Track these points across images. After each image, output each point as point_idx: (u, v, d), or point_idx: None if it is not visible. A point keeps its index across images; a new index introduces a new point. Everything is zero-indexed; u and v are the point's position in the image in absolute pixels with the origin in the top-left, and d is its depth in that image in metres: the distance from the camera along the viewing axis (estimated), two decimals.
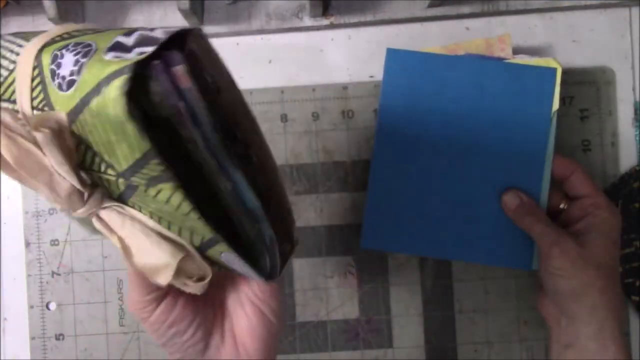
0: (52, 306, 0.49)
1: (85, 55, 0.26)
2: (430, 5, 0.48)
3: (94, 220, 0.30)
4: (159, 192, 0.27)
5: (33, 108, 0.28)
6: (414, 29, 0.50)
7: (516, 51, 0.46)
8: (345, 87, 0.49)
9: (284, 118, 0.49)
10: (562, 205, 0.43)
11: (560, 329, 0.40)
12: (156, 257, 0.29)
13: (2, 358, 0.49)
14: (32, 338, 0.49)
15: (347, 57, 0.50)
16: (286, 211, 0.32)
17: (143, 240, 0.29)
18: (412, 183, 0.44)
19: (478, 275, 0.49)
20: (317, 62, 0.50)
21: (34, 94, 0.28)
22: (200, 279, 0.31)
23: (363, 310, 0.49)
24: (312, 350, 0.49)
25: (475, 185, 0.44)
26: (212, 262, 0.31)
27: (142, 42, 0.26)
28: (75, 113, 0.26)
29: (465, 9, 0.48)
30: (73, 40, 0.28)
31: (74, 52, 0.27)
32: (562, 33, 0.49)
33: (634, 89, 0.49)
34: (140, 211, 0.29)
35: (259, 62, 0.50)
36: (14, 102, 0.29)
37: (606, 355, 0.37)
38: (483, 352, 0.49)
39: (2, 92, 0.30)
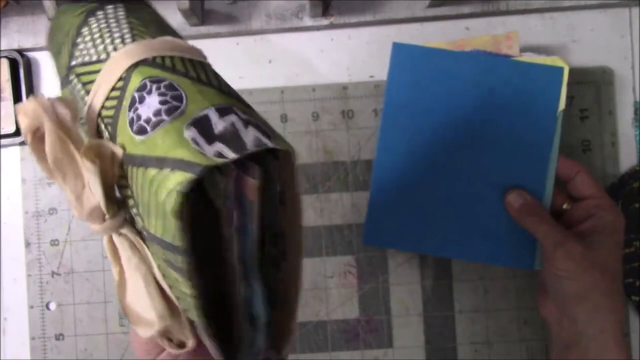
0: (52, 306, 0.49)
1: (169, 112, 0.24)
2: (430, 5, 0.48)
3: (105, 240, 0.28)
4: (172, 274, 0.25)
5: (99, 116, 0.27)
6: (414, 29, 0.50)
7: (522, 49, 0.46)
8: (345, 87, 0.49)
9: (284, 118, 0.49)
10: (565, 206, 0.43)
11: (562, 329, 0.40)
12: (144, 310, 0.27)
13: (2, 358, 0.49)
14: (32, 338, 0.49)
15: (347, 57, 0.50)
16: (288, 328, 0.29)
17: (140, 285, 0.27)
18: (416, 180, 0.44)
19: (478, 275, 0.49)
20: (317, 62, 0.50)
21: (107, 104, 0.26)
22: (181, 345, 0.28)
23: (363, 310, 0.49)
24: (312, 350, 0.49)
25: (479, 183, 0.44)
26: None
27: (229, 139, 0.23)
28: (130, 161, 0.24)
29: (465, 9, 0.48)
30: (169, 78, 0.25)
31: (161, 99, 0.25)
32: (562, 33, 0.49)
33: (634, 89, 0.49)
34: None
35: (259, 62, 0.50)
36: (87, 92, 0.27)
37: (607, 356, 0.37)
38: (483, 352, 0.49)
39: (81, 71, 0.28)
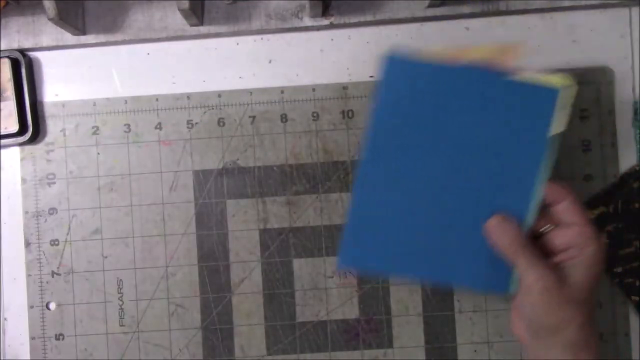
0: (52, 306, 0.49)
1: None
2: (430, 5, 0.48)
3: None
4: None
5: None
6: (414, 29, 0.50)
7: (527, 64, 0.44)
8: (345, 87, 0.49)
9: (284, 118, 0.49)
10: (544, 229, 0.41)
11: (535, 353, 0.39)
12: None
13: (2, 358, 0.49)
14: (32, 338, 0.49)
15: (347, 57, 0.50)
16: None
17: None
18: (400, 198, 0.42)
19: None
20: (317, 62, 0.50)
21: None
22: None
23: (363, 310, 0.49)
24: (312, 350, 0.49)
25: (463, 204, 0.42)
26: None
27: None
28: None
29: (465, 9, 0.48)
30: None
31: None
32: (562, 33, 0.49)
33: (633, 89, 0.49)
34: None
35: (259, 62, 0.50)
36: None
37: None
38: (483, 352, 0.49)
39: None
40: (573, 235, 0.39)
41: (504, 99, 0.41)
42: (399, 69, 0.41)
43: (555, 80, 0.40)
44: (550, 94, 0.40)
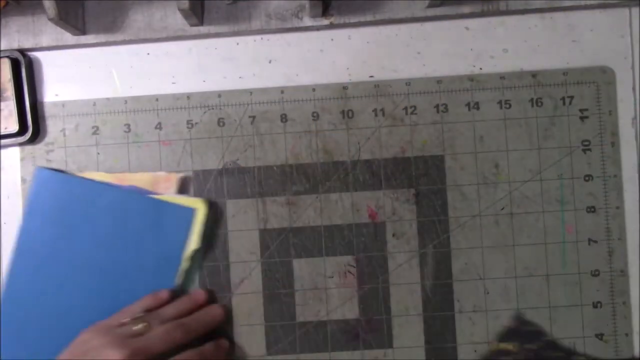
0: None
1: None
2: (430, 5, 0.48)
3: None
4: None
5: None
6: (414, 29, 0.50)
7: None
8: (345, 87, 0.49)
9: (284, 118, 0.49)
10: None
11: None
12: None
13: (1, 358, 0.49)
14: None
15: (347, 57, 0.50)
16: None
17: None
18: (50, 305, 0.45)
19: (478, 275, 0.49)
20: (317, 62, 0.50)
21: None
22: None
23: (363, 310, 0.49)
24: (312, 350, 0.49)
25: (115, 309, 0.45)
26: None
27: None
28: None
29: (465, 9, 0.48)
30: None
31: None
32: (562, 33, 0.49)
33: (634, 89, 0.49)
34: None
35: (259, 62, 0.50)
36: None
37: None
38: (483, 352, 0.49)
39: None
40: None
41: (147, 215, 0.46)
42: (49, 180, 0.46)
43: (191, 203, 0.46)
44: (187, 211, 0.46)
